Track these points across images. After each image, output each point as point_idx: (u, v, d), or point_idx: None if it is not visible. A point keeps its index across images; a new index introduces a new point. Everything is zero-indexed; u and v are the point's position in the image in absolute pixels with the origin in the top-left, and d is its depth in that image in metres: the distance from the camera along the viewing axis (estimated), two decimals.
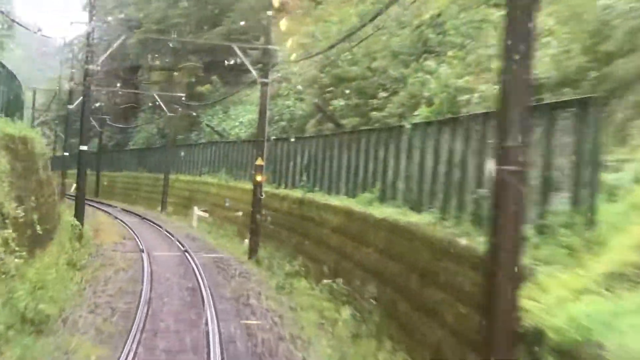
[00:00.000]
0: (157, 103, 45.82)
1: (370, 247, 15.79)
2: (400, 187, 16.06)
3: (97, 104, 63.31)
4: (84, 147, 28.14)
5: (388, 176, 17.13)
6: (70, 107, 44.13)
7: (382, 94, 25.65)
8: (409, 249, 13.07)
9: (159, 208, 44.69)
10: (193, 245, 28.60)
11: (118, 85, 55.45)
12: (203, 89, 48.97)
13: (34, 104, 62.93)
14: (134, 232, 32.60)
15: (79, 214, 25.84)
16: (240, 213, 30.19)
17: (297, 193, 25.30)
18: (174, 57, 53.25)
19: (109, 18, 51.26)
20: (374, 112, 25.83)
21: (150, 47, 59.49)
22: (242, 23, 42.06)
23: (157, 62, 55.30)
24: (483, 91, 16.24)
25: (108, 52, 29.19)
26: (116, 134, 71.24)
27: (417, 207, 14.22)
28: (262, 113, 25.61)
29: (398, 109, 24.43)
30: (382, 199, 16.96)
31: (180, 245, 28.15)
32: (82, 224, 25.47)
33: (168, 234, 32.54)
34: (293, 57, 31.44)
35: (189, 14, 54.50)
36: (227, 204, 33.13)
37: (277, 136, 31.38)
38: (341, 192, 21.47)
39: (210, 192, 38.25)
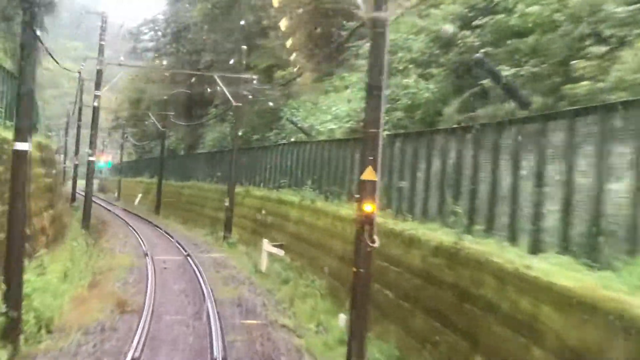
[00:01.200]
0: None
1: None
2: None
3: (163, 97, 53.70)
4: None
5: None
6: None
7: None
8: None
9: (222, 232, 32.96)
10: (248, 316, 16.43)
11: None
12: (285, 72, 36.88)
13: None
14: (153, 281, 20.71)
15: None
16: (326, 268, 17.89)
17: (441, 233, 13.20)
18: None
19: None
20: (573, 86, 13.44)
21: (219, 27, 48.55)
22: None
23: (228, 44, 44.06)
24: None
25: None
26: (188, 135, 60.63)
27: None
28: (373, 81, 12.92)
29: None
30: None
31: (215, 318, 15.94)
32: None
33: (208, 292, 19.23)
34: None
35: None
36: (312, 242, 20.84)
37: (391, 131, 18.79)
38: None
39: (290, 216, 26.01)
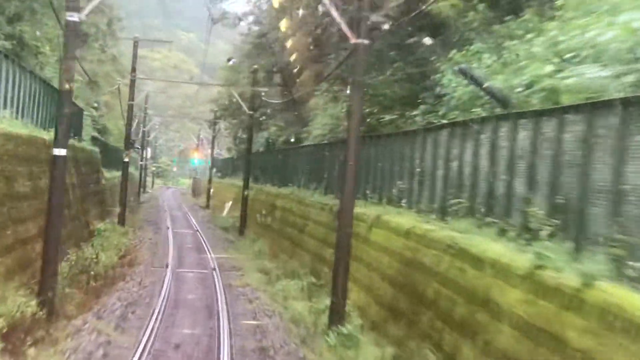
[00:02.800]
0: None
1: None
2: None
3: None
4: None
5: None
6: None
7: None
8: None
9: (329, 297, 16.81)
10: None
11: None
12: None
13: None
14: None
15: None
16: None
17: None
18: None
19: None
20: None
21: None
22: None
23: None
24: None
25: None
26: (292, 122, 45.48)
27: None
28: None
29: None
30: None
31: None
32: None
33: None
34: None
35: None
36: None
37: None
38: None
39: (477, 287, 10.39)
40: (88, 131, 36.06)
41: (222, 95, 69.61)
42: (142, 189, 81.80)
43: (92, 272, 19.18)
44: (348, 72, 26.16)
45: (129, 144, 34.16)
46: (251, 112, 35.90)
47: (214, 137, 62.23)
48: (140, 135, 60.59)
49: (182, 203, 66.79)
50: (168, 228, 37.63)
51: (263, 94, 36.30)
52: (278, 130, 47.91)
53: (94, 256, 20.82)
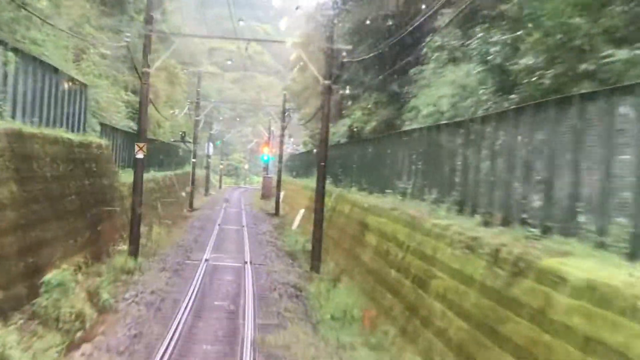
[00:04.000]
0: None
1: None
2: None
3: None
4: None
5: None
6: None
7: None
8: None
9: None
10: None
11: None
12: None
13: None
14: None
15: None
16: None
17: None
18: None
19: None
20: None
21: None
22: None
23: None
24: None
25: None
26: (384, 103, 33.29)
27: None
28: None
29: None
30: None
31: None
32: None
33: None
34: None
35: None
36: None
37: None
38: None
39: None
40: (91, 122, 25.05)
41: (297, 80, 58.37)
42: (205, 191, 71.25)
43: None
44: None
45: (140, 136, 22.72)
46: (327, 82, 23.65)
47: (283, 127, 50.09)
48: (195, 126, 49.52)
49: (245, 209, 55.25)
50: (206, 260, 25.45)
51: (344, 53, 24.12)
52: (365, 114, 35.78)
53: None
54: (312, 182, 41.99)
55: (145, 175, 35.73)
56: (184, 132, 48.33)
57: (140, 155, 22.32)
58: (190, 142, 48.71)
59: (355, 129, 36.25)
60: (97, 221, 21.45)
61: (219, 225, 39.02)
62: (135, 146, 22.40)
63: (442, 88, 21.25)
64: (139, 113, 22.61)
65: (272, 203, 53.48)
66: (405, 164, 20.12)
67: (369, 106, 35.54)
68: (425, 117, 21.18)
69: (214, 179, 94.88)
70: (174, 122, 61.19)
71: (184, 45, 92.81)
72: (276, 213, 48.74)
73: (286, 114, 49.85)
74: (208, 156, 72.11)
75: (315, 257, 23.32)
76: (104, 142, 24.10)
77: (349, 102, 40.11)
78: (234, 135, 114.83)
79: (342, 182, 31.48)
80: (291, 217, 45.31)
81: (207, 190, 70.99)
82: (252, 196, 73.94)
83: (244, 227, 38.44)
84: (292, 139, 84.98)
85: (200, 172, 71.99)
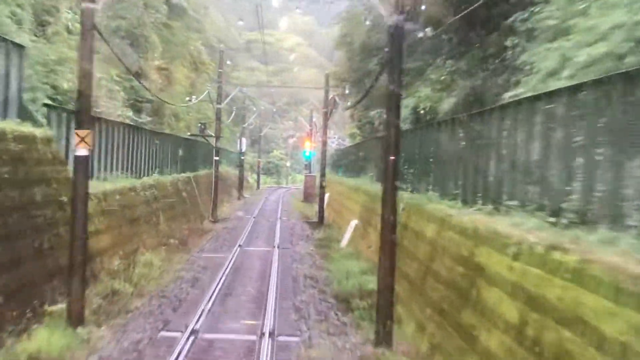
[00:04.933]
0: None
1: None
2: None
3: None
4: None
5: None
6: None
7: None
8: None
9: None
10: None
11: None
12: None
13: None
14: None
15: None
16: None
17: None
18: None
19: None
20: None
21: None
22: None
23: None
24: None
25: None
26: (467, 76, 23.76)
27: None
28: None
29: None
30: None
31: None
32: None
33: None
34: None
35: None
36: None
37: None
38: None
39: None
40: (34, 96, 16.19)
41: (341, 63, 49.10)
42: (239, 193, 62.40)
43: None
44: None
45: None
46: (399, 17, 13.87)
47: (326, 113, 40.06)
48: (217, 116, 40.47)
49: (281, 217, 45.79)
50: (192, 334, 14.54)
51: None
52: (436, 90, 26.22)
53: None
54: (364, 182, 32.65)
55: (143, 180, 27.00)
56: (204, 124, 39.34)
57: (82, 152, 13.20)
58: (212, 135, 39.72)
59: (422, 111, 26.69)
60: (13, 264, 12.53)
61: (239, 246, 29.38)
62: (75, 135, 13.25)
63: (609, 14, 11.75)
64: (78, 77, 13.45)
65: (315, 207, 44.25)
66: (552, 151, 10.64)
67: (442, 78, 26.05)
68: (581, 68, 11.70)
69: (251, 178, 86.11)
70: (201, 114, 52.46)
71: (214, 35, 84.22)
72: (319, 221, 39.40)
73: (330, 97, 40.34)
74: (241, 153, 63.05)
75: (385, 315, 13.79)
76: (40, 133, 15.13)
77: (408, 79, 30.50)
78: (273, 130, 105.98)
79: (411, 184, 22.06)
80: (337, 226, 36.03)
81: (240, 192, 61.98)
82: (293, 199, 64.44)
83: (275, 249, 28.57)
84: (336, 135, 76.03)
85: (232, 172, 63.16)
